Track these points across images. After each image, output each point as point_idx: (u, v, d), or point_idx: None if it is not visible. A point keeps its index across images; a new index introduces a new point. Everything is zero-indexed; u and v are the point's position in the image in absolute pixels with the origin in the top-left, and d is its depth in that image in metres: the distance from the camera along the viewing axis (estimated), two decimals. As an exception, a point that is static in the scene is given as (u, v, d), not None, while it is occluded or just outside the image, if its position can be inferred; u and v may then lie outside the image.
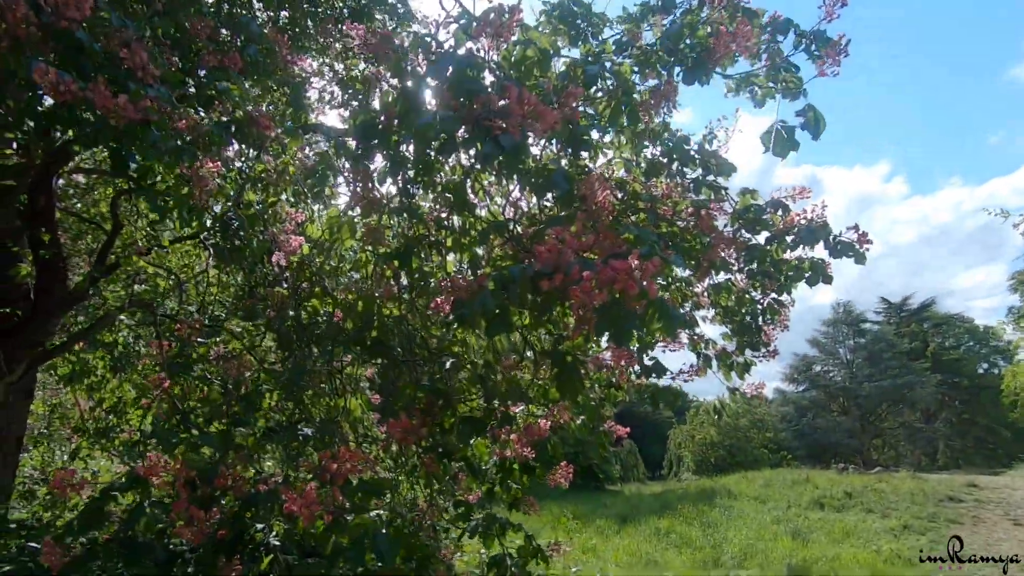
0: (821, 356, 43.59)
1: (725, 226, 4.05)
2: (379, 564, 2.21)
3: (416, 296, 3.52)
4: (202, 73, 4.41)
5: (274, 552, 3.15)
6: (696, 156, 4.12)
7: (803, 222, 3.62)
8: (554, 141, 3.57)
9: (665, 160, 4.38)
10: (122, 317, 7.92)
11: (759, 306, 4.30)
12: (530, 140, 2.95)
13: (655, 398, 4.05)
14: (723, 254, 3.95)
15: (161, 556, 2.70)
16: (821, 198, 3.67)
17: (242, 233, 5.24)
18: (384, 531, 2.46)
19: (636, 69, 3.68)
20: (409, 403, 2.72)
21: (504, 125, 2.48)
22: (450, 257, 3.83)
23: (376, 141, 3.39)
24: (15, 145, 5.49)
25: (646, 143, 4.04)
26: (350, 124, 3.71)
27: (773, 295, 4.16)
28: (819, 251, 3.77)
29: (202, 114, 4.10)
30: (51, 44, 3.34)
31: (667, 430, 43.76)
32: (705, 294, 4.79)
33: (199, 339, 3.51)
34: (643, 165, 4.05)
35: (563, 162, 3.64)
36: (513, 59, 3.14)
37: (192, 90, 4.37)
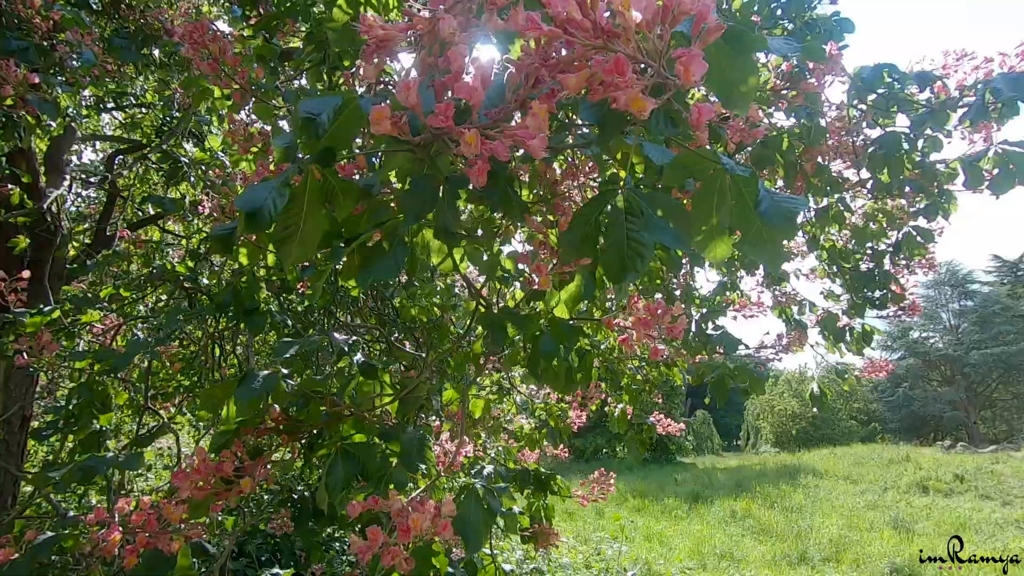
0: (919, 321, 39.41)
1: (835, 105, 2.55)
2: None
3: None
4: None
5: None
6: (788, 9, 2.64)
7: (980, 77, 2.10)
8: None
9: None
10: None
11: (887, 241, 2.80)
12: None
13: (721, 383, 2.65)
14: (832, 158, 2.51)
15: None
16: (1018, 43, 2.12)
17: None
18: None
19: None
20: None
21: None
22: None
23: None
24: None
25: None
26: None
27: (913, 223, 2.64)
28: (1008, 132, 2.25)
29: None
30: None
31: (743, 399, 41.58)
32: (800, 234, 3.32)
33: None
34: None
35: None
36: None
37: None
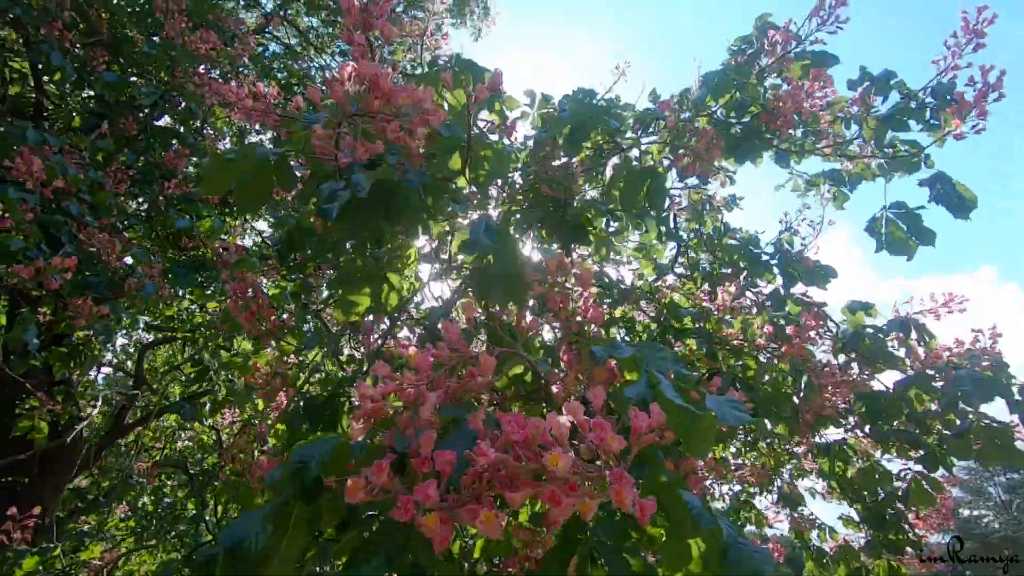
0: (967, 497, 36.45)
1: (828, 362, 2.71)
2: None
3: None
4: (173, 206, 3.92)
5: None
6: (771, 261, 2.93)
7: (955, 359, 2.26)
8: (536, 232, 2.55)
9: (728, 269, 3.23)
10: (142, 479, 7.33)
11: (898, 484, 2.78)
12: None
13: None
14: (834, 400, 2.60)
15: None
16: (990, 325, 2.32)
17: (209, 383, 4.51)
18: None
19: (665, 150, 2.68)
20: None
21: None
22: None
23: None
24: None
25: (689, 245, 2.93)
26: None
27: (918, 467, 2.65)
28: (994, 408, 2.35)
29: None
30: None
31: (785, 589, 37.30)
32: (810, 456, 3.32)
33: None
34: (686, 270, 2.90)
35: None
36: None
37: (151, 224, 3.85)
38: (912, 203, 2.29)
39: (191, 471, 6.51)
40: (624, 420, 1.06)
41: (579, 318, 1.44)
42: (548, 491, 0.88)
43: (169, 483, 5.92)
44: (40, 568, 2.36)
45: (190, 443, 8.18)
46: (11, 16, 3.34)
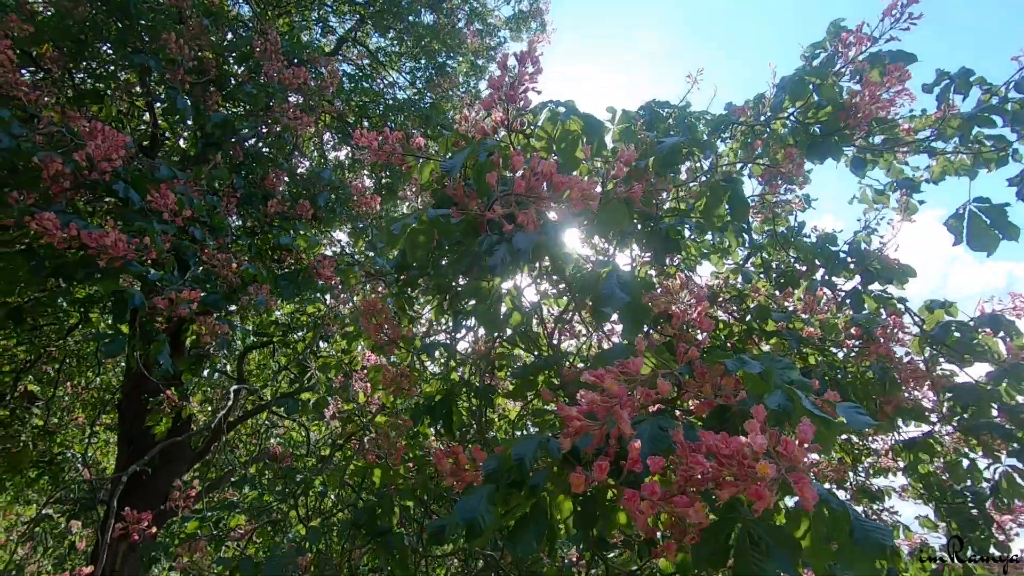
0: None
1: (908, 354, 2.75)
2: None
3: (418, 473, 2.73)
4: (273, 223, 4.34)
5: None
6: (848, 259, 2.97)
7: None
8: (633, 247, 2.73)
9: (803, 267, 3.29)
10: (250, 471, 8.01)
11: (985, 481, 2.76)
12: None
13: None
14: (916, 395, 2.63)
15: None
16: None
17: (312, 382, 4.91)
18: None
19: (739, 153, 2.79)
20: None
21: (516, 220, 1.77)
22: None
23: (414, 265, 2.82)
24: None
25: (763, 244, 3.01)
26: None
27: (1011, 462, 2.62)
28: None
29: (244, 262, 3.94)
30: (86, 194, 3.39)
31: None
32: (890, 454, 3.32)
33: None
34: (770, 272, 3.00)
35: (645, 273, 2.74)
36: (542, 135, 2.36)
37: (255, 239, 4.29)
38: (996, 201, 2.31)
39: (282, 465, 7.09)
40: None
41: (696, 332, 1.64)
42: (755, 489, 1.10)
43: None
44: (198, 531, 2.90)
45: (280, 439, 8.87)
46: (138, 65, 3.81)
